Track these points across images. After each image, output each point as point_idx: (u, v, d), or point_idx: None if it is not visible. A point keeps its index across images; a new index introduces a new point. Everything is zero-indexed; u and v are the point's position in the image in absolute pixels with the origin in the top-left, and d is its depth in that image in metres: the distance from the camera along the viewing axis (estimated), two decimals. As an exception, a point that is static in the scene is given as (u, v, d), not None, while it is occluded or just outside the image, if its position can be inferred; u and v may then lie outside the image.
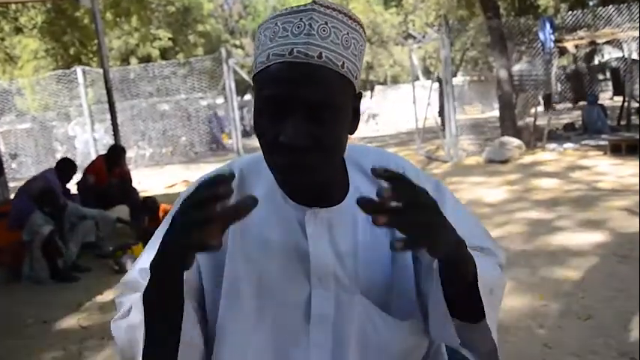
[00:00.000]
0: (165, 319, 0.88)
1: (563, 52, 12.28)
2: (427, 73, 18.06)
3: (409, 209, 0.74)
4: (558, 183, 7.46)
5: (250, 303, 0.97)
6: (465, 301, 0.92)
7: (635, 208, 5.52)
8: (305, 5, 0.87)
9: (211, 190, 0.71)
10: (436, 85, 12.97)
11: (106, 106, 9.43)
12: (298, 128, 0.85)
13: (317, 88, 0.85)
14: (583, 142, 10.81)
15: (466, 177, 8.71)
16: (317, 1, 0.87)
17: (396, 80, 30.42)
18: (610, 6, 11.55)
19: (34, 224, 5.15)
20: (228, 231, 0.98)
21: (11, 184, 8.29)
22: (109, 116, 9.12)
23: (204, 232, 0.72)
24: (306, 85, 0.84)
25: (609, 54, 19.64)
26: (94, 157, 10.59)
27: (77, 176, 6.72)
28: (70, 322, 4.16)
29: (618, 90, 14.83)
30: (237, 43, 30.89)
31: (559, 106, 14.35)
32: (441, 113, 12.90)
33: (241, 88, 24.85)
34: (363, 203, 0.72)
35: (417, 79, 13.38)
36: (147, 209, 6.43)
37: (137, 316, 0.88)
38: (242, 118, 18.37)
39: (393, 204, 0.74)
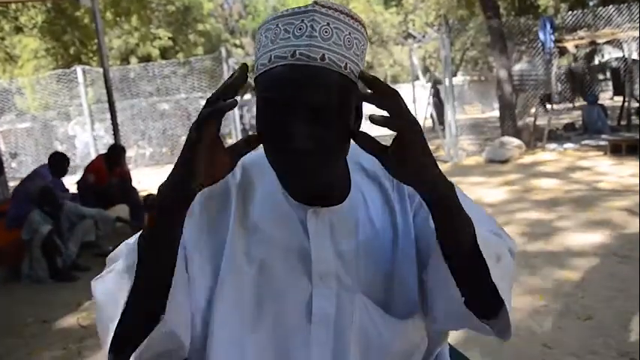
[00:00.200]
0: (157, 260, 0.87)
1: (563, 52, 12.27)
2: (427, 72, 18.02)
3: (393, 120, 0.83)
4: (558, 183, 7.45)
5: (251, 301, 0.97)
6: (470, 271, 0.90)
7: (636, 208, 5.51)
8: (306, 6, 0.86)
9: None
10: (429, 84, 12.96)
11: (106, 105, 9.43)
12: (301, 131, 0.85)
13: (320, 91, 0.84)
14: (583, 142, 10.81)
15: (466, 177, 8.70)
16: (318, 2, 0.86)
17: (395, 80, 30.39)
18: (610, 6, 11.54)
19: (32, 223, 5.14)
20: (229, 228, 0.98)
21: (11, 184, 8.27)
22: (109, 115, 9.11)
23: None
24: (309, 88, 0.84)
25: (609, 54, 19.61)
26: (94, 156, 10.59)
27: (76, 176, 6.72)
28: (69, 321, 4.16)
29: (618, 90, 14.83)
30: (237, 42, 30.87)
31: (559, 106, 14.33)
32: (439, 114, 12.90)
33: (241, 88, 24.87)
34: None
35: (417, 78, 13.38)
36: (147, 207, 6.43)
37: (125, 262, 0.88)
38: (241, 117, 18.37)
39: None
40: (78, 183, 6.91)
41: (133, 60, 21.40)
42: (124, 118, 15.00)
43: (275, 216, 0.99)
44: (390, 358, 1.01)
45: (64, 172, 6.17)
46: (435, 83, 13.31)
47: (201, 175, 0.81)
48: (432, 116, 13.47)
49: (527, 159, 9.86)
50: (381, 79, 0.82)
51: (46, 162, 6.14)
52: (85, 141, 14.92)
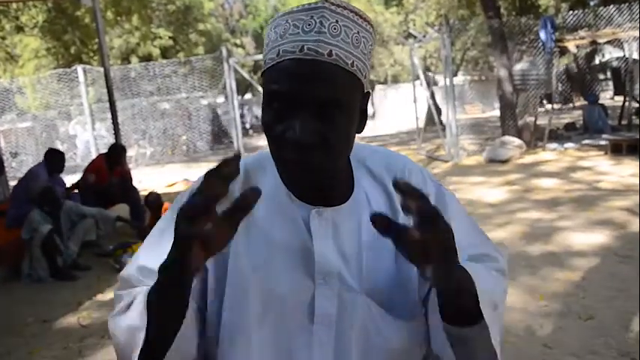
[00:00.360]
0: (166, 321, 0.87)
1: (564, 51, 12.26)
2: (428, 72, 18.03)
3: (426, 225, 0.76)
4: (559, 183, 7.45)
5: (254, 301, 0.97)
6: (466, 318, 0.91)
7: (636, 208, 5.51)
8: (316, 3, 0.87)
9: (212, 186, 0.69)
10: (437, 84, 12.95)
11: (107, 104, 9.43)
12: (306, 125, 0.85)
13: (326, 86, 0.85)
14: (584, 142, 10.81)
15: (466, 177, 8.71)
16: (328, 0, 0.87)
17: (396, 80, 30.40)
18: (611, 6, 11.53)
19: (32, 223, 5.14)
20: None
21: (12, 183, 8.27)
22: (109, 115, 9.11)
23: (210, 241, 0.71)
24: (315, 82, 0.84)
25: (610, 54, 19.61)
26: (94, 155, 10.59)
27: (77, 175, 6.71)
28: (70, 320, 4.16)
29: (619, 90, 14.83)
30: (238, 42, 30.86)
31: (559, 105, 14.33)
32: (430, 116, 12.90)
33: (242, 88, 24.87)
34: (377, 220, 0.76)
35: (418, 78, 13.34)
36: (148, 205, 6.43)
37: (138, 317, 0.88)
38: (242, 116, 18.40)
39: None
40: (78, 182, 6.91)
41: (134, 59, 21.38)
42: (124, 117, 15.02)
43: (278, 215, 0.99)
44: (391, 359, 1.01)
45: (60, 168, 6.12)
46: (428, 84, 13.29)
47: (199, 266, 0.75)
48: (439, 116, 13.47)
49: (528, 159, 9.86)
50: (412, 186, 0.76)
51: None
52: (85, 140, 14.93)
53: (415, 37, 14.39)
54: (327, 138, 0.87)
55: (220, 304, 0.98)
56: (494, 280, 1.00)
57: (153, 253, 0.98)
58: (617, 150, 9.15)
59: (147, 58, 20.84)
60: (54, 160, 6.02)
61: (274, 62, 0.87)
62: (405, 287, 1.02)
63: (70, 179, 6.96)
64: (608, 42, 13.19)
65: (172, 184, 10.42)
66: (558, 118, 14.42)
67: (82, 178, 6.92)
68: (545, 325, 3.24)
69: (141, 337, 0.86)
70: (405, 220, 1.03)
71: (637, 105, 12.73)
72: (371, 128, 22.28)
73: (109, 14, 15.00)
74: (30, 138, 15.91)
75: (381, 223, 0.76)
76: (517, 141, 10.36)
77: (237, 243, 0.98)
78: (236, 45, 29.73)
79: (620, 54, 15.99)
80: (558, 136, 11.75)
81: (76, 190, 6.80)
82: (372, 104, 26.69)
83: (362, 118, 0.95)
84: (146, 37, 20.19)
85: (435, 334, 1.00)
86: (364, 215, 1.01)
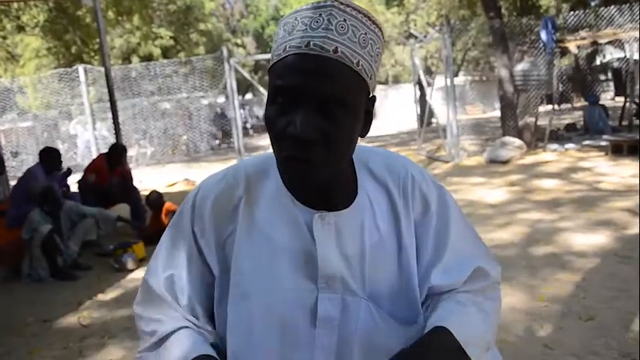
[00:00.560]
0: None
1: (564, 52, 12.25)
2: (429, 73, 18.00)
3: None
4: (559, 183, 7.45)
5: (257, 304, 0.97)
6: None
7: (637, 208, 5.51)
8: (325, 1, 0.87)
9: None
10: (435, 84, 12.94)
11: (108, 104, 9.42)
12: (308, 120, 0.85)
13: (330, 82, 0.85)
14: (584, 143, 10.80)
15: (467, 177, 8.70)
16: None
17: (397, 80, 30.37)
18: (612, 6, 11.52)
19: (33, 222, 5.14)
20: (236, 231, 0.98)
21: (12, 183, 8.28)
22: (110, 115, 9.11)
23: None
24: (319, 77, 0.84)
25: (611, 54, 19.61)
26: (95, 155, 10.60)
27: (78, 175, 6.70)
28: (70, 320, 4.16)
29: (620, 90, 14.81)
30: (239, 42, 30.83)
31: (560, 107, 14.32)
32: (422, 117, 12.91)
33: (242, 88, 24.86)
34: None
35: (419, 79, 13.36)
36: (150, 204, 6.43)
37: None
38: (242, 116, 18.41)
39: None
40: (79, 182, 6.91)
41: (135, 59, 21.38)
42: (125, 117, 15.02)
43: (281, 219, 0.99)
44: None
45: (56, 166, 6.07)
46: (421, 86, 13.29)
47: None
48: (421, 120, 13.47)
49: (529, 159, 9.85)
50: None
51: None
52: (86, 140, 14.93)
53: (416, 37, 14.42)
54: (329, 135, 0.86)
55: (226, 307, 0.99)
56: (485, 320, 1.03)
57: (172, 262, 1.03)
58: (617, 151, 9.15)
59: (148, 57, 20.84)
60: (50, 158, 5.98)
61: (280, 57, 0.88)
62: (407, 291, 1.02)
63: (70, 179, 6.94)
64: (609, 42, 13.18)
65: (173, 184, 10.43)
66: (559, 118, 14.41)
67: (82, 177, 6.93)
68: (546, 326, 3.24)
69: None
70: (406, 226, 1.03)
71: (637, 106, 12.72)
72: (372, 128, 22.23)
73: (110, 14, 15.01)
74: (31, 137, 15.91)
75: None
76: (518, 141, 10.36)
77: (240, 246, 0.98)
78: (237, 45, 29.71)
79: (621, 55, 15.99)
80: (559, 136, 11.74)
81: (69, 177, 6.75)
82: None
83: (366, 121, 0.95)
84: (147, 37, 20.18)
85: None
86: (367, 219, 1.01)
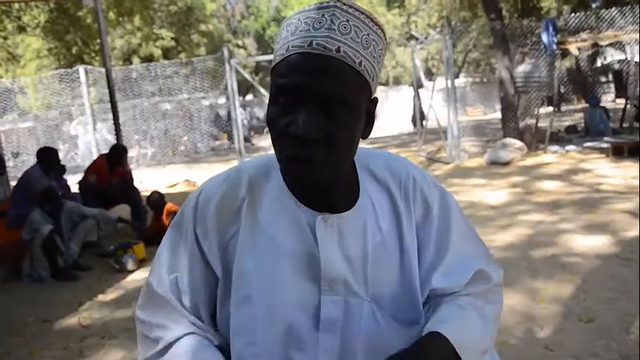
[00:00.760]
0: None
1: (565, 54, 12.25)
2: (430, 74, 18.00)
3: None
4: (560, 185, 7.45)
5: (259, 306, 0.97)
6: None
7: (637, 210, 5.50)
8: (328, 2, 0.87)
9: None
10: (432, 85, 12.94)
11: (108, 105, 9.42)
12: (310, 119, 0.85)
13: (333, 81, 0.85)
14: (585, 145, 10.79)
15: (468, 179, 8.70)
16: (340, 0, 0.88)
17: (398, 81, 30.39)
18: (613, 8, 11.53)
19: (33, 223, 5.14)
20: (239, 232, 0.98)
21: (13, 183, 8.29)
22: (111, 115, 9.11)
23: None
24: (321, 77, 0.84)
25: (612, 56, 19.62)
26: (95, 156, 10.60)
27: (78, 176, 6.70)
28: (70, 320, 4.16)
29: (620, 92, 14.82)
30: (240, 43, 30.86)
31: (561, 108, 14.31)
32: (415, 120, 12.91)
33: (243, 89, 24.86)
34: None
35: (420, 80, 13.36)
36: (151, 205, 6.42)
37: None
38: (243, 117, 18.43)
39: None
40: (79, 183, 6.91)
41: (136, 60, 21.40)
42: (126, 118, 15.03)
43: (283, 221, 0.99)
44: None
45: (54, 166, 6.04)
46: (417, 86, 13.29)
47: None
48: (413, 122, 13.49)
49: (529, 161, 9.85)
50: None
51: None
52: (87, 141, 14.94)
53: (417, 38, 14.43)
54: (331, 135, 0.86)
55: (228, 309, 0.99)
56: (484, 326, 1.04)
57: (175, 264, 1.02)
58: (618, 152, 9.14)
59: (148, 58, 20.87)
60: (47, 159, 5.97)
61: (283, 57, 0.88)
62: (410, 293, 1.02)
63: (71, 179, 6.94)
64: (610, 44, 13.18)
65: (173, 185, 10.43)
66: (560, 120, 14.40)
67: (83, 178, 6.93)
68: (546, 328, 3.23)
69: None
70: (408, 228, 1.03)
71: (637, 108, 12.72)
72: (375, 129, 22.22)
73: (111, 15, 15.02)
74: (31, 138, 15.92)
75: None
76: (518, 143, 10.35)
77: (242, 248, 0.98)
78: (238, 46, 29.74)
79: (622, 56, 16.00)
80: (560, 138, 11.74)
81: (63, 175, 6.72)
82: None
83: (368, 123, 0.95)
84: (148, 38, 20.21)
85: None
86: (369, 220, 1.01)
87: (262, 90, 15.26)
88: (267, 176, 1.02)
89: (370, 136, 1.01)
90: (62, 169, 6.41)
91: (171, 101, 17.54)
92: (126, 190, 6.80)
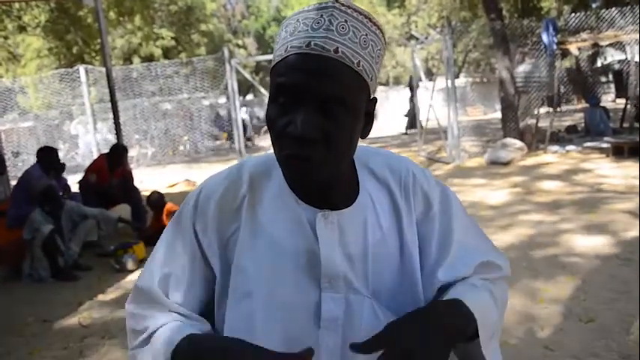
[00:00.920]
0: None
1: (565, 54, 12.25)
2: (430, 74, 18.00)
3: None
4: (560, 185, 7.45)
5: (258, 303, 0.97)
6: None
7: (637, 211, 5.50)
8: (327, 3, 0.88)
9: None
10: (432, 85, 12.94)
11: (109, 105, 9.43)
12: (309, 119, 0.85)
13: (331, 81, 0.85)
14: (585, 145, 10.79)
15: (468, 179, 8.70)
16: (339, 0, 0.88)
17: (398, 81, 30.40)
18: (613, 8, 11.53)
19: (34, 223, 5.14)
20: (240, 230, 0.98)
21: (13, 183, 8.30)
22: (111, 115, 9.12)
23: None
24: (320, 77, 0.85)
25: (612, 56, 19.60)
26: (96, 155, 10.60)
27: (78, 175, 6.69)
28: (70, 320, 4.16)
29: (621, 92, 14.82)
30: (240, 43, 30.88)
31: (561, 108, 14.32)
32: (413, 123, 12.92)
33: (243, 88, 24.87)
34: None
35: (420, 80, 13.35)
36: (151, 205, 6.42)
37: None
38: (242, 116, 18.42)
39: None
40: (80, 182, 6.91)
41: (136, 60, 21.42)
42: (126, 117, 15.03)
43: (284, 218, 0.99)
44: None
45: (54, 165, 6.04)
46: (411, 89, 13.31)
47: None
48: (410, 124, 13.48)
49: (529, 161, 9.85)
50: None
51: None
52: (87, 140, 14.94)
53: (417, 38, 14.43)
54: (329, 134, 0.86)
55: (226, 306, 0.98)
56: (496, 306, 1.04)
57: (170, 260, 1.02)
58: (618, 152, 9.14)
59: (149, 58, 20.88)
60: (47, 158, 5.97)
61: (282, 57, 0.88)
62: (411, 290, 1.02)
63: (71, 179, 6.94)
64: (610, 44, 13.17)
65: (173, 185, 10.43)
66: (560, 120, 14.41)
67: (83, 178, 6.93)
68: (546, 328, 3.23)
69: None
70: (408, 225, 1.03)
71: (637, 108, 12.72)
72: (372, 129, 22.22)
73: (112, 14, 15.05)
74: (32, 138, 15.92)
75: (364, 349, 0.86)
76: (518, 143, 10.35)
77: (243, 245, 0.98)
78: (238, 46, 29.77)
79: (622, 56, 16.00)
80: (560, 138, 11.74)
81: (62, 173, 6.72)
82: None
83: (367, 123, 0.95)
84: (148, 38, 20.24)
85: None
86: (369, 218, 1.01)
87: (262, 90, 15.27)
88: (268, 174, 1.02)
89: (370, 136, 1.01)
90: (62, 167, 6.42)
91: (172, 101, 17.55)
92: (126, 189, 6.80)
